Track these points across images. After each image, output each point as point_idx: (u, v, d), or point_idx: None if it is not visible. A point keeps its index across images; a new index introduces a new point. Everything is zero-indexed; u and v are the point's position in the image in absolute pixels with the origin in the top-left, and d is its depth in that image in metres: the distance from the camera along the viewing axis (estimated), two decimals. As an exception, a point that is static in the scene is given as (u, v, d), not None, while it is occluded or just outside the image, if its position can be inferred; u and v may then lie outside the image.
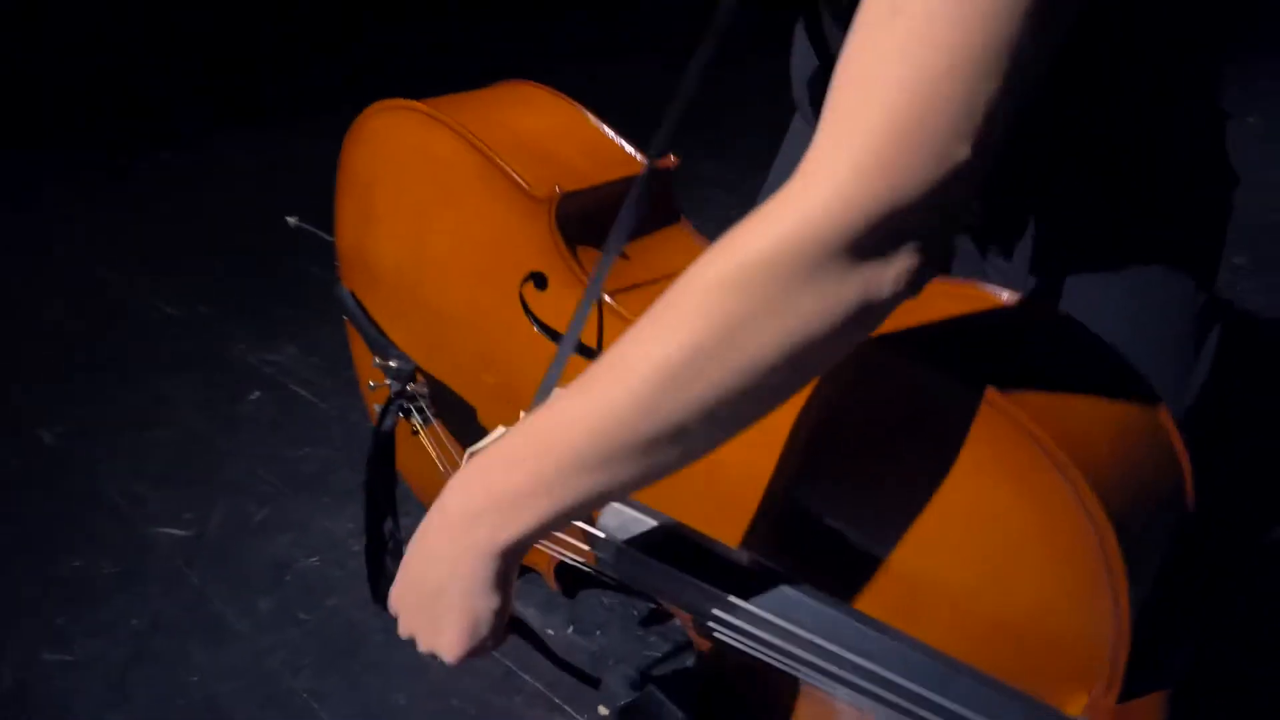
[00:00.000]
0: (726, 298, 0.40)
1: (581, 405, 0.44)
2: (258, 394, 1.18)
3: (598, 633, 0.78)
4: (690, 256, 0.72)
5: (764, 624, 0.54)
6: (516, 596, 0.82)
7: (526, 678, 0.74)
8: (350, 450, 1.06)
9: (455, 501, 0.48)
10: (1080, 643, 0.48)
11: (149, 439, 1.08)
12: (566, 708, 0.71)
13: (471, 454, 0.65)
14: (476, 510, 0.47)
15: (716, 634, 0.57)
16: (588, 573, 0.80)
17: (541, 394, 0.58)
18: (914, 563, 0.52)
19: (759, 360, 0.40)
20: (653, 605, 0.80)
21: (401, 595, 0.53)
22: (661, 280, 0.67)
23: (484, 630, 0.51)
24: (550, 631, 0.79)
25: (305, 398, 1.17)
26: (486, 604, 0.50)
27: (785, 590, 0.54)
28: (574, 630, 0.79)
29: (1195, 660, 0.55)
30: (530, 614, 0.81)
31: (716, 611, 0.56)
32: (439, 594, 0.50)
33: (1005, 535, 0.49)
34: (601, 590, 0.82)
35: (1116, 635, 0.48)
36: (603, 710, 0.72)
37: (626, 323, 0.62)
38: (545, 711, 0.71)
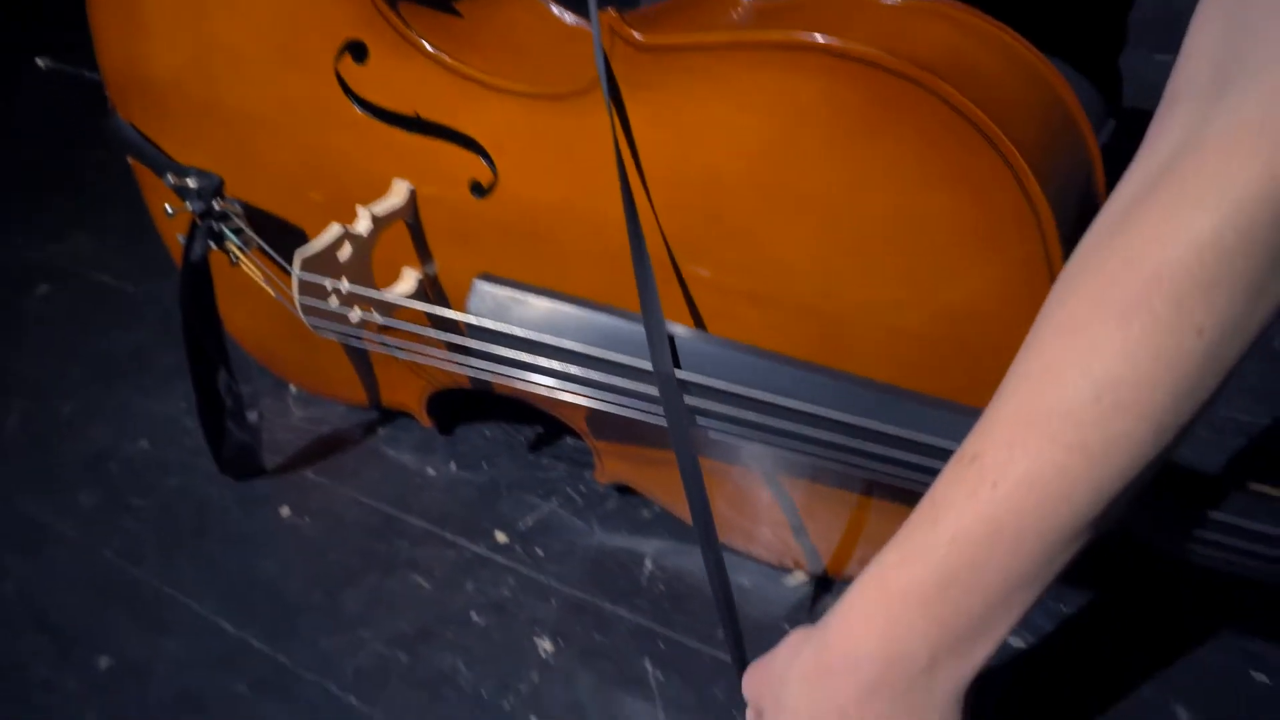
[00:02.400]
0: (1247, 254, 0.30)
1: (1063, 466, 0.33)
2: (45, 288, 1.01)
3: (484, 464, 0.71)
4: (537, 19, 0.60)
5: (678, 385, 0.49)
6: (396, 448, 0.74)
7: (410, 519, 0.67)
8: (168, 331, 0.92)
9: (880, 657, 0.36)
10: (1017, 345, 0.45)
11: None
12: (459, 540, 0.64)
13: (305, 257, 0.55)
14: (929, 657, 0.35)
15: (615, 416, 0.51)
16: (462, 399, 0.72)
17: (638, 262, 0.47)
18: (834, 296, 0.47)
19: None
20: (539, 429, 0.74)
21: None
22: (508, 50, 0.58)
23: None
24: (431, 472, 0.71)
25: (107, 284, 1.01)
26: None
27: (699, 344, 0.48)
28: (457, 467, 0.71)
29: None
30: (406, 458, 0.73)
31: (615, 382, 0.50)
32: None
33: (937, 236, 0.44)
34: (483, 422, 0.75)
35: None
36: (500, 537, 0.65)
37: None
38: (437, 549, 0.64)
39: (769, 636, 0.56)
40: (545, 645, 0.57)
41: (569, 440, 0.73)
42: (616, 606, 0.59)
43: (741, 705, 0.44)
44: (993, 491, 0.34)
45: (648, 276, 0.47)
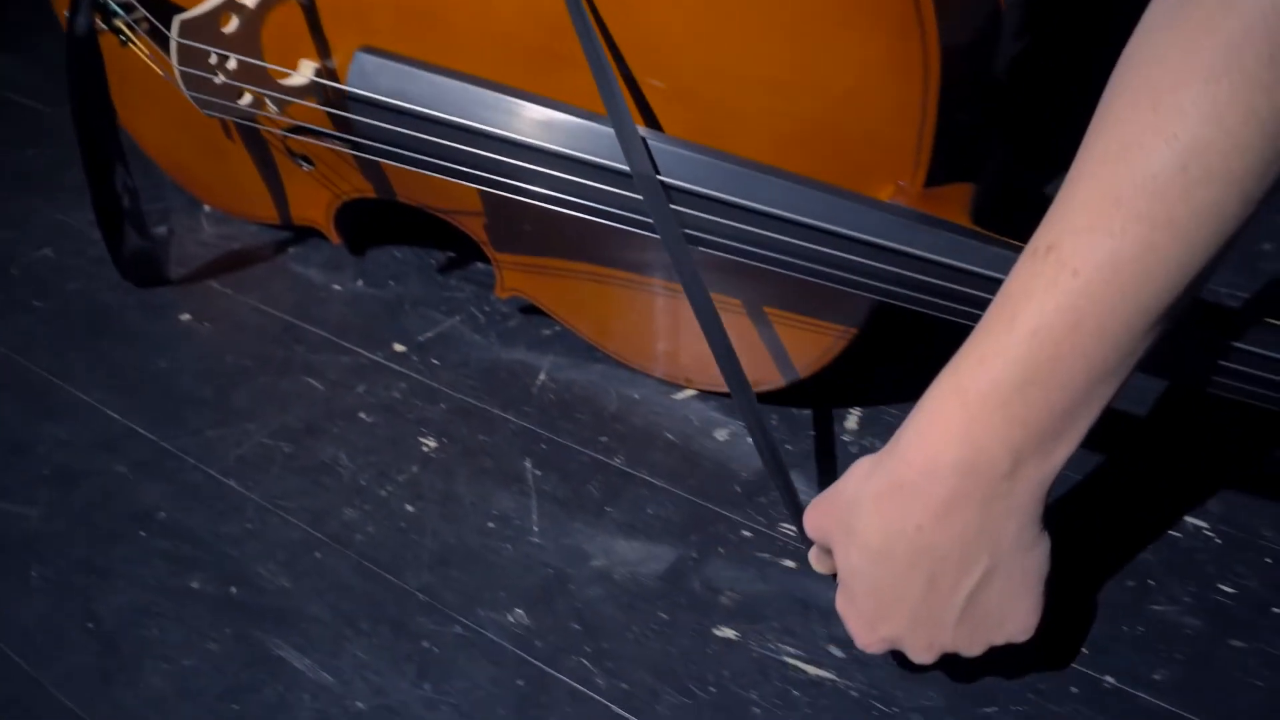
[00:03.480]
0: None
1: (1148, 244, 0.31)
2: (-38, 103, 0.98)
3: (391, 283, 0.70)
4: None
5: (561, 163, 0.47)
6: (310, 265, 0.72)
7: (309, 327, 0.66)
8: (87, 151, 0.90)
9: (960, 466, 0.35)
10: (889, 130, 0.44)
11: None
12: (357, 349, 0.64)
13: (183, 20, 0.52)
14: (1011, 461, 0.34)
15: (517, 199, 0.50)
16: (372, 218, 0.71)
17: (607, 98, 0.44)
18: (716, 75, 0.46)
19: None
20: (452, 253, 0.73)
21: (914, 625, 0.38)
22: None
23: (1047, 573, 0.38)
24: (337, 287, 0.70)
25: (25, 104, 0.97)
26: (1045, 548, 0.37)
27: (577, 121, 0.47)
28: (364, 284, 0.70)
29: (1005, 173, 0.54)
30: (313, 274, 0.72)
31: (511, 161, 0.49)
32: (985, 582, 0.37)
33: (813, 5, 0.42)
34: (395, 245, 0.74)
35: (923, 120, 0.43)
36: (398, 346, 0.65)
37: None
38: (332, 354, 0.64)
39: (651, 444, 0.57)
40: (429, 443, 0.57)
41: (480, 265, 0.72)
42: (505, 412, 0.59)
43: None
44: (1074, 280, 0.32)
45: (604, 65, 0.44)
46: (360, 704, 0.44)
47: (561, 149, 0.47)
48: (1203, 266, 0.32)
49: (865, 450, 0.55)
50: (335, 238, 0.71)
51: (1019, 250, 0.42)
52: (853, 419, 0.58)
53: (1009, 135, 0.78)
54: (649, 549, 0.50)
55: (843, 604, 0.41)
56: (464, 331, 0.66)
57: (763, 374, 0.56)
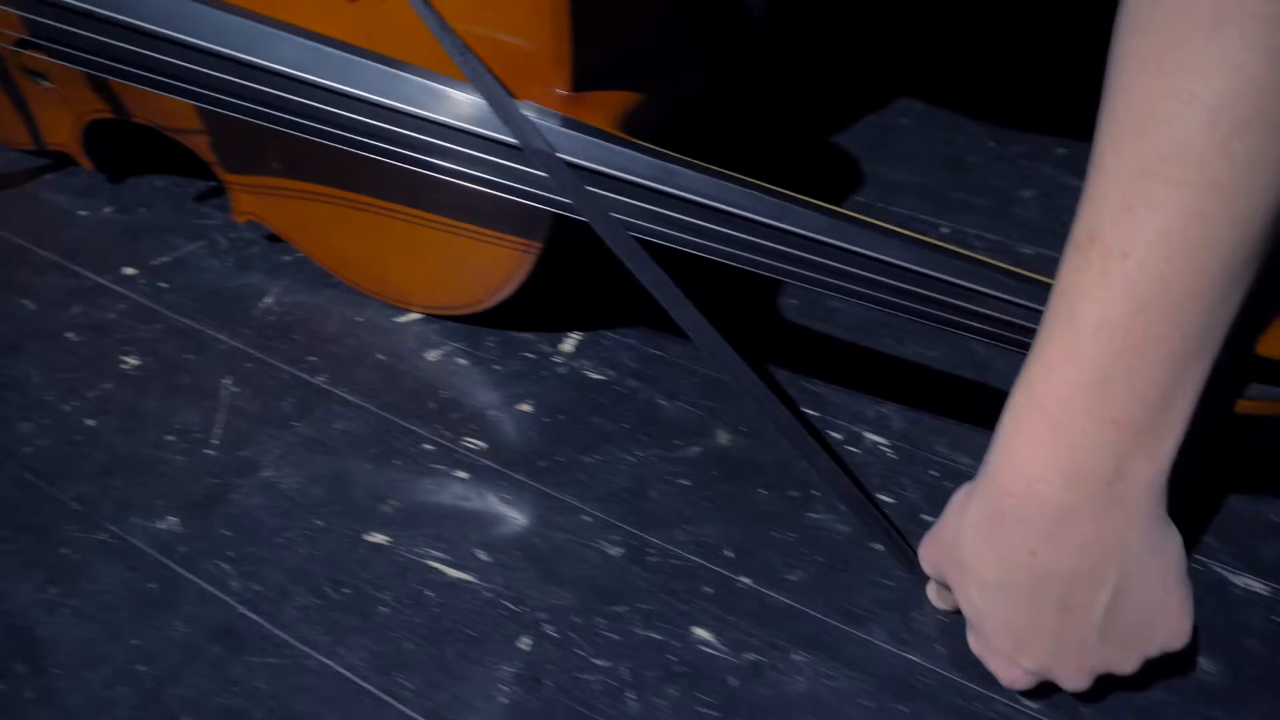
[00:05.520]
0: None
1: (1196, 210, 0.29)
2: None
3: (141, 210, 0.68)
4: None
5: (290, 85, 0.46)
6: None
7: (40, 250, 0.63)
8: None
9: (1058, 481, 0.33)
10: (527, 32, 0.43)
11: None
12: (84, 271, 0.62)
13: None
14: (1113, 465, 0.32)
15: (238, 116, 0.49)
16: (129, 145, 0.69)
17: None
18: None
19: None
20: (215, 183, 0.71)
21: (1057, 653, 0.36)
22: None
23: (1184, 570, 0.35)
24: (83, 213, 0.68)
25: None
26: (1175, 545, 0.35)
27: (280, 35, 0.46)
28: (113, 211, 0.68)
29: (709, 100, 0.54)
30: (62, 200, 0.69)
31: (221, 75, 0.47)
32: (1120, 593, 0.34)
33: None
34: (158, 175, 0.72)
35: (555, 22, 0.43)
36: (127, 270, 0.63)
37: None
38: (56, 277, 0.61)
39: (359, 364, 0.56)
40: (131, 361, 0.55)
41: (239, 195, 0.70)
42: (218, 333, 0.58)
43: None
44: (1125, 263, 0.30)
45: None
46: (-23, 608, 0.42)
47: (210, 45, 0.46)
48: (1266, 219, 0.30)
49: (575, 372, 0.55)
50: (86, 162, 0.69)
51: (654, 155, 0.42)
52: (569, 343, 0.57)
53: (737, 67, 0.78)
54: (324, 460, 0.49)
55: (976, 645, 0.39)
56: (201, 257, 0.64)
57: (463, 295, 0.56)
